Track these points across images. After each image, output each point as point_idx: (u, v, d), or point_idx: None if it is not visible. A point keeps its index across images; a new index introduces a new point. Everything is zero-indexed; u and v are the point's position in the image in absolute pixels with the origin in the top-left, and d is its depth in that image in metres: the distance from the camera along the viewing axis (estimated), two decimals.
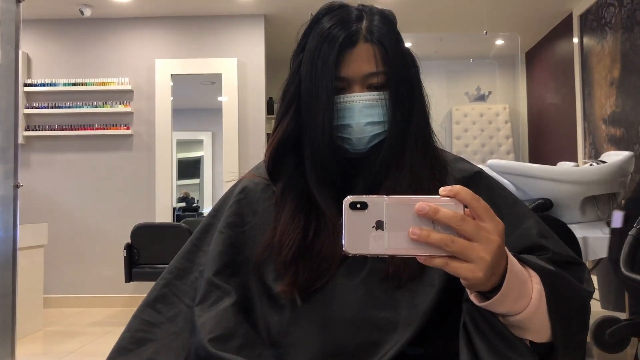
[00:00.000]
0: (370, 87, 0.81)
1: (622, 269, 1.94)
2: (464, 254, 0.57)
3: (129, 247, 3.88)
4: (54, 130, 4.80)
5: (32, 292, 3.72)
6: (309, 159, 0.82)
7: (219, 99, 4.92)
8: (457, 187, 0.58)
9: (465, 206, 0.58)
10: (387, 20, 0.83)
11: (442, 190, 0.58)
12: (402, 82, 0.82)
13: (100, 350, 3.27)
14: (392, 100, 0.81)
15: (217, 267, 0.82)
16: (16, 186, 2.17)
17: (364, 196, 0.58)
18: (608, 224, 2.80)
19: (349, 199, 0.58)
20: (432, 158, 0.85)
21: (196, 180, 6.09)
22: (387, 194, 0.58)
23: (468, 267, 0.58)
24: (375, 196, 0.58)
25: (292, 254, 0.79)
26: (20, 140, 2.03)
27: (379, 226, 0.57)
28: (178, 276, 0.86)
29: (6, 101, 2.19)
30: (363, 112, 0.80)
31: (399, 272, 0.76)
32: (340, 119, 0.81)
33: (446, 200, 0.58)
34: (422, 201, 0.57)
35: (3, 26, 2.19)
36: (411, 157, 0.82)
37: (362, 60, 0.80)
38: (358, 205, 0.57)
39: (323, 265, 0.78)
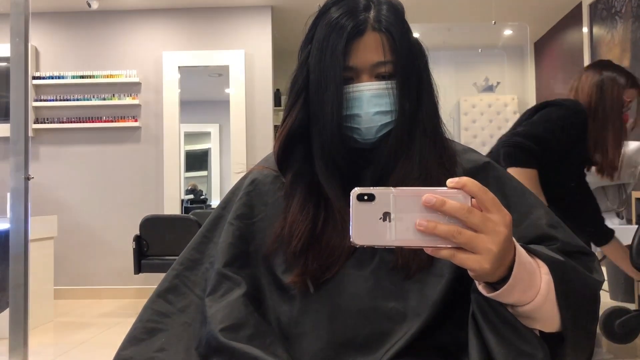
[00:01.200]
0: (379, 77, 0.81)
1: (633, 260, 1.94)
2: (471, 246, 0.57)
3: (137, 239, 3.91)
4: (63, 122, 4.82)
5: (42, 284, 3.76)
6: (318, 150, 0.82)
7: (226, 91, 4.92)
8: (465, 178, 0.58)
9: (473, 197, 0.58)
10: (395, 10, 0.83)
11: (449, 182, 0.58)
12: (410, 71, 0.81)
13: (110, 341, 3.30)
14: (400, 89, 0.80)
15: (227, 259, 0.83)
16: (27, 178, 2.19)
17: (371, 188, 0.58)
18: (618, 214, 2.78)
19: (356, 190, 0.58)
20: (441, 148, 0.84)
21: (204, 173, 6.11)
22: (396, 184, 0.58)
23: (475, 258, 0.58)
24: (382, 188, 0.58)
25: (301, 245, 0.79)
26: (29, 133, 2.05)
27: (386, 217, 0.57)
28: (189, 267, 0.87)
29: (16, 94, 2.20)
30: (372, 102, 0.80)
31: (408, 262, 0.77)
32: (349, 109, 0.80)
33: (453, 192, 0.58)
34: (429, 193, 0.57)
35: (12, 19, 2.20)
36: (420, 146, 0.82)
37: (370, 49, 0.79)
38: (365, 197, 0.57)
39: (332, 256, 0.79)
